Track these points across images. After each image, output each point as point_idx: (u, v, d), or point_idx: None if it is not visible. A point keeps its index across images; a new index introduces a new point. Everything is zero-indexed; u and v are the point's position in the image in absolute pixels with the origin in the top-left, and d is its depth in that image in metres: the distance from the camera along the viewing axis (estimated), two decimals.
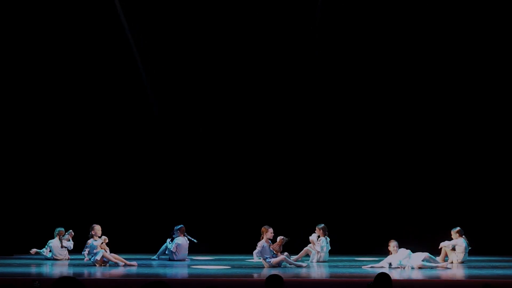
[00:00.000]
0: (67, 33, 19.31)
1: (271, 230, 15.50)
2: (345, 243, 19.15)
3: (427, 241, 17.09)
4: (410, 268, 14.67)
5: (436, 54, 19.45)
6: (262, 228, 15.63)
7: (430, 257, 15.27)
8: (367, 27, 19.49)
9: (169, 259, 17.14)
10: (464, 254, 16.56)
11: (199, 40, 19.79)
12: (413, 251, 15.08)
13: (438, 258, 16.17)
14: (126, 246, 18.60)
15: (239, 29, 19.64)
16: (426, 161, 19.62)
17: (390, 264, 14.96)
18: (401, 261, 14.81)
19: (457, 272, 14.80)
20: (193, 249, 18.92)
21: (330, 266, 15.85)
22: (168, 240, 17.32)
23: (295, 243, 16.94)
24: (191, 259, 17.44)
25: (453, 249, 16.65)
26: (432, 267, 14.89)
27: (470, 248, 16.72)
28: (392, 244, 15.07)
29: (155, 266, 15.99)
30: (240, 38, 19.68)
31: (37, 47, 19.27)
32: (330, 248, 16.93)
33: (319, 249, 16.66)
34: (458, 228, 16.90)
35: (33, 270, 15.21)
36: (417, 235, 18.47)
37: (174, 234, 17.36)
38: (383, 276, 7.95)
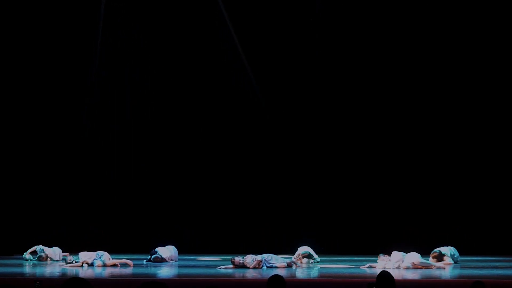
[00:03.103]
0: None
1: (236, 260, 15.11)
2: (344, 243, 19.16)
3: (426, 241, 17.07)
4: (406, 267, 14.61)
5: (435, 54, 19.44)
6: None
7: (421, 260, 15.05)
8: (367, 27, 19.49)
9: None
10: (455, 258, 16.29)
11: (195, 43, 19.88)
12: (413, 251, 15.06)
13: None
14: (123, 246, 18.64)
15: (238, 29, 19.66)
16: (425, 161, 19.59)
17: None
18: (395, 263, 14.75)
19: (456, 272, 14.80)
20: (193, 249, 18.94)
21: (330, 266, 15.84)
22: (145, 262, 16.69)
23: (293, 243, 16.94)
24: (192, 260, 17.42)
25: (441, 258, 16.26)
26: (427, 267, 14.86)
27: (456, 256, 16.37)
28: (381, 258, 14.95)
29: (154, 266, 15.96)
30: (240, 38, 19.69)
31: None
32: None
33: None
34: (436, 253, 16.09)
35: (33, 270, 15.20)
36: (417, 235, 18.47)
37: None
38: (385, 275, 7.72)
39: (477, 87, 19.37)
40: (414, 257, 14.79)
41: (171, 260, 16.58)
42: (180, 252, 17.22)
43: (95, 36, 19.74)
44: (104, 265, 15.28)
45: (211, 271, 14.54)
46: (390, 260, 14.79)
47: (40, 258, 16.81)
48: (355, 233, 19.32)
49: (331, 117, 19.78)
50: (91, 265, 15.25)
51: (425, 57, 19.44)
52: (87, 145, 19.86)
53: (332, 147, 19.81)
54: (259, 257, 14.81)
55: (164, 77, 19.97)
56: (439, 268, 14.99)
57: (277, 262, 14.85)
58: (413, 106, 19.59)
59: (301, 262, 15.94)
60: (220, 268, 14.69)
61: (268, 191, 19.76)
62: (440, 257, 15.95)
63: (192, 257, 17.80)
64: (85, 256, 15.41)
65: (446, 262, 15.86)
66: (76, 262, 15.41)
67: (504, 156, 19.39)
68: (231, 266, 14.82)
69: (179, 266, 16.01)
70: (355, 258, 17.08)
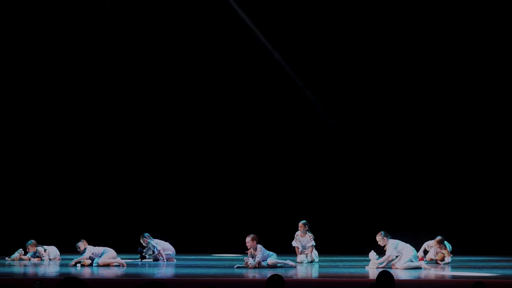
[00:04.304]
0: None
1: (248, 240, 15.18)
2: (344, 243, 19.16)
3: (426, 241, 17.07)
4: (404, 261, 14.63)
5: (434, 53, 19.46)
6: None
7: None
8: (367, 27, 19.52)
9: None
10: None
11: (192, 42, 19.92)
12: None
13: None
14: (123, 246, 18.64)
15: (239, 29, 19.69)
16: (425, 161, 19.61)
17: (395, 257, 14.85)
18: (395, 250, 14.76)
19: (456, 272, 14.81)
20: (192, 249, 18.94)
21: (330, 266, 15.84)
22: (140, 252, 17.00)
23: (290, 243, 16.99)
24: (190, 259, 17.41)
25: (443, 246, 16.37)
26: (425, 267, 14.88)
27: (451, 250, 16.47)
28: (378, 238, 15.02)
29: (153, 266, 15.97)
30: (241, 38, 19.73)
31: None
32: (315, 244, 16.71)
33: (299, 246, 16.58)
34: (440, 238, 16.35)
35: (33, 270, 15.20)
36: (417, 235, 18.46)
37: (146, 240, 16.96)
38: (385, 275, 7.82)
39: (477, 87, 19.40)
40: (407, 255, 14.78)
41: (168, 253, 16.70)
42: (181, 252, 17.23)
43: (96, 36, 19.75)
44: (97, 265, 15.41)
45: (211, 271, 14.54)
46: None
47: (35, 251, 16.97)
48: (355, 233, 19.31)
49: (332, 117, 19.79)
50: (90, 265, 15.33)
51: (423, 57, 19.48)
52: (86, 145, 19.86)
53: (332, 147, 19.83)
54: (258, 257, 14.83)
55: (164, 77, 19.99)
56: (424, 268, 14.89)
57: (276, 261, 14.95)
58: (411, 105, 19.62)
59: (301, 231, 16.13)
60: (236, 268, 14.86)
61: (268, 191, 19.76)
62: (442, 243, 16.06)
63: (191, 257, 17.79)
64: (90, 251, 15.57)
65: (446, 261, 15.93)
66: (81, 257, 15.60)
67: (504, 156, 19.41)
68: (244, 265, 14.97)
69: (179, 266, 16.02)
70: (355, 258, 17.07)
